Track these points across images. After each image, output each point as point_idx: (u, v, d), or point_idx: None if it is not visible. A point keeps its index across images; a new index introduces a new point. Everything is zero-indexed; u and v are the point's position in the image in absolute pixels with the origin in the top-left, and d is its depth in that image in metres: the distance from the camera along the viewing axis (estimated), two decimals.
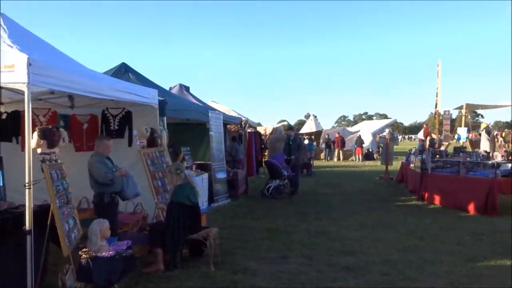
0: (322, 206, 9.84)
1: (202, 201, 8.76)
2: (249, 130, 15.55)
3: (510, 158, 9.64)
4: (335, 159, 26.36)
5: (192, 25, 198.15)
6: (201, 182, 8.72)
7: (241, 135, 13.82)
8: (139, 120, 6.64)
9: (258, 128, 22.73)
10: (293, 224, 7.80)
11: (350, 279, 4.84)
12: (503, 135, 24.90)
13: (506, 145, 16.60)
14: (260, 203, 10.23)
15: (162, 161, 6.74)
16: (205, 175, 9.24)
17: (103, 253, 3.99)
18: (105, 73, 8.07)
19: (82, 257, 3.96)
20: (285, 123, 31.60)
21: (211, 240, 5.26)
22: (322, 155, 26.87)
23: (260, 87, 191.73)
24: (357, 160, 25.55)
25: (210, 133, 9.94)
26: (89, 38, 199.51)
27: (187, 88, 12.46)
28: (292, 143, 11.68)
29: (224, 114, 11.94)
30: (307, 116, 61.45)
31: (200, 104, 11.66)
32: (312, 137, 28.59)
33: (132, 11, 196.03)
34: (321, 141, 28.31)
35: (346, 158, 26.50)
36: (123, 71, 8.72)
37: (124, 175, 5.20)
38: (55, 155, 4.27)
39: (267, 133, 21.93)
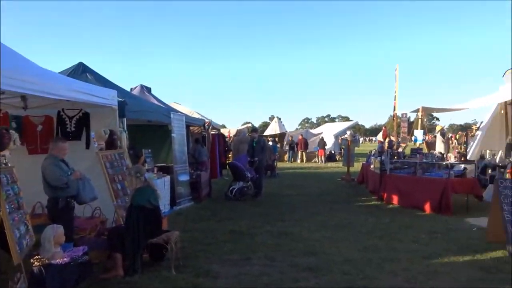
0: (285, 207, 9.91)
1: (164, 204, 8.63)
2: (212, 132, 15.48)
3: (462, 159, 10.06)
4: (299, 161, 26.68)
5: (154, 25, 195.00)
6: (162, 184, 8.59)
7: (204, 137, 13.71)
8: (98, 121, 6.46)
9: (222, 130, 22.66)
10: (256, 225, 7.80)
11: (312, 279, 4.88)
12: (457, 137, 26.06)
13: (459, 146, 17.34)
14: (224, 205, 10.18)
15: (121, 164, 6.58)
16: (167, 178, 9.10)
17: (57, 260, 3.83)
18: (61, 73, 7.79)
19: (34, 265, 3.80)
20: (249, 125, 31.67)
21: (172, 243, 5.17)
22: (286, 157, 27.12)
23: (225, 88, 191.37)
24: (319, 161, 25.96)
25: (172, 135, 9.81)
26: (43, 37, 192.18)
27: (149, 89, 12.25)
28: (255, 145, 11.72)
29: (186, 115, 11.81)
30: (271, 118, 61.86)
31: (162, 105, 11.47)
32: (276, 139, 28.80)
33: (90, 10, 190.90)
34: (285, 143, 28.57)
35: (309, 159, 26.87)
36: (80, 71, 8.43)
37: (79, 178, 5.02)
38: (4, 158, 4.07)
39: (231, 135, 21.91)
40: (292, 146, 27.06)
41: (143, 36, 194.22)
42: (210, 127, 14.52)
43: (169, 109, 10.91)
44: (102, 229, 5.84)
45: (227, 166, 14.39)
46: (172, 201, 9.34)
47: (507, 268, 5.15)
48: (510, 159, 8.84)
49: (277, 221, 8.25)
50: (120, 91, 7.94)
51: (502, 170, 10.07)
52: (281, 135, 30.43)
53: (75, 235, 5.31)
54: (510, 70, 13.66)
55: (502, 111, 12.48)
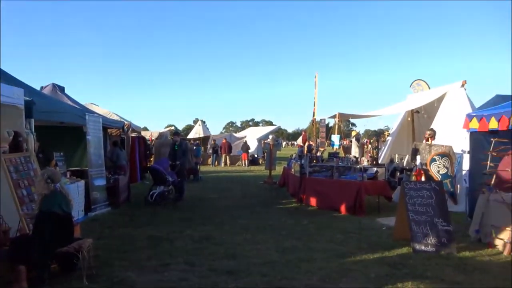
0: (207, 211, 9.85)
1: (78, 211, 8.18)
2: (132, 135, 14.96)
3: (374, 162, 10.73)
4: (222, 164, 26.72)
5: (68, 20, 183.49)
6: (76, 190, 8.14)
7: (123, 139, 13.19)
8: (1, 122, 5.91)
9: (145, 133, 22.06)
10: (177, 230, 7.65)
11: (231, 283, 4.88)
12: (371, 142, 27.84)
13: (372, 151, 18.51)
14: (143, 210, 9.86)
15: (28, 168, 6.09)
16: (81, 183, 8.63)
17: None
18: None
19: None
20: (172, 128, 31.10)
21: (84, 252, 4.89)
22: (210, 161, 27.04)
23: (148, 90, 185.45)
24: (243, 165, 26.23)
25: (88, 137, 9.29)
26: None
27: (62, 89, 11.49)
28: (177, 149, 11.59)
29: (104, 117, 11.27)
30: (196, 121, 61.45)
31: (76, 106, 10.82)
32: (200, 142, 28.63)
33: None
34: (208, 146, 28.50)
35: (233, 163, 27.04)
36: None
37: None
38: None
39: (153, 138, 21.36)
40: (216, 150, 27.05)
41: (57, 32, 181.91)
42: (130, 129, 14.02)
43: (84, 110, 10.34)
44: (4, 239, 5.34)
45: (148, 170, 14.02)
46: (87, 207, 8.85)
47: (411, 264, 5.57)
48: (416, 163, 9.57)
49: (198, 225, 8.17)
50: (28, 89, 7.35)
51: (408, 173, 10.91)
52: (205, 139, 30.31)
53: None
54: (416, 81, 14.93)
55: (409, 119, 13.58)
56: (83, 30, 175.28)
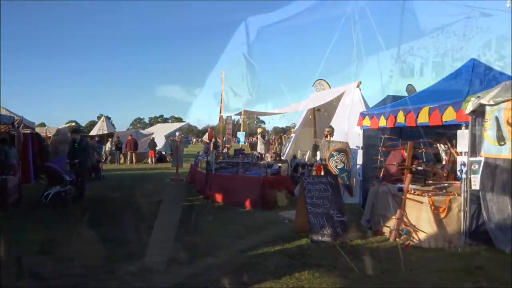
0: (108, 211, 9.42)
1: None
2: (25, 131, 13.74)
3: (277, 158, 11.14)
4: (128, 162, 25.71)
5: None
6: None
7: (13, 136, 12.05)
8: None
9: (41, 129, 20.40)
10: (74, 233, 7.19)
11: (132, 283, 4.74)
12: (277, 138, 28.80)
13: (276, 147, 19.16)
14: (37, 212, 9.09)
15: None
16: None
17: None
18: None
19: None
20: (73, 124, 29.23)
21: None
22: (115, 158, 25.85)
23: (49, 83, 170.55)
24: (150, 162, 25.52)
25: None
26: None
27: None
28: (77, 146, 10.89)
29: None
30: (100, 117, 58.29)
31: None
32: (110, 139, 27.25)
33: None
34: (112, 143, 27.22)
35: (139, 160, 26.13)
36: None
37: None
38: None
39: (49, 135, 19.83)
40: (119, 147, 25.94)
41: None
42: (21, 125, 12.85)
43: None
44: None
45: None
46: None
47: (308, 254, 5.90)
48: (316, 158, 10.12)
49: (98, 226, 7.76)
50: None
51: (310, 168, 11.52)
52: (110, 135, 28.90)
53: None
54: (318, 81, 15.77)
55: (311, 116, 14.32)
56: None
